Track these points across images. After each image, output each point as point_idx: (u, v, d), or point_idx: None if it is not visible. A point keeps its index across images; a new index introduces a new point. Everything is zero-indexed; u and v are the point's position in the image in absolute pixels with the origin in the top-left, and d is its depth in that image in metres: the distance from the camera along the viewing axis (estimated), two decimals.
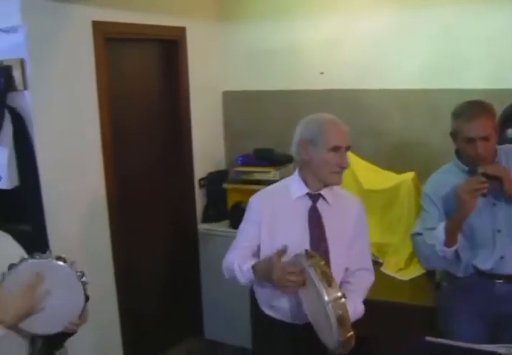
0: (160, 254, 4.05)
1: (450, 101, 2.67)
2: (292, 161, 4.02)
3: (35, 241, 2.85)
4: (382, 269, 3.33)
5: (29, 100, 2.87)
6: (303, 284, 2.06)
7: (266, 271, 2.12)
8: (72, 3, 3.05)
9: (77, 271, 1.96)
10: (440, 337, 1.88)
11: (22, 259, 1.93)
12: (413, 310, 2.92)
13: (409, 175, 3.42)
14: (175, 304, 4.17)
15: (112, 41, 3.34)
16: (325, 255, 2.24)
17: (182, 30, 3.89)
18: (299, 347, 2.32)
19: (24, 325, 1.90)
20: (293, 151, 2.33)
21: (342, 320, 1.91)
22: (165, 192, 4.03)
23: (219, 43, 4.26)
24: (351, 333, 1.94)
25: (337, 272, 2.19)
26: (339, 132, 2.23)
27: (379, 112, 3.78)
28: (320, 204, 2.32)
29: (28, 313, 1.83)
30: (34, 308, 1.85)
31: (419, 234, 2.58)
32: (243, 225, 2.43)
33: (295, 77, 4.06)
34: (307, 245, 2.23)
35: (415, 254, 2.96)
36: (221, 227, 4.06)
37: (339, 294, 1.93)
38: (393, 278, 3.26)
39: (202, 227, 4.16)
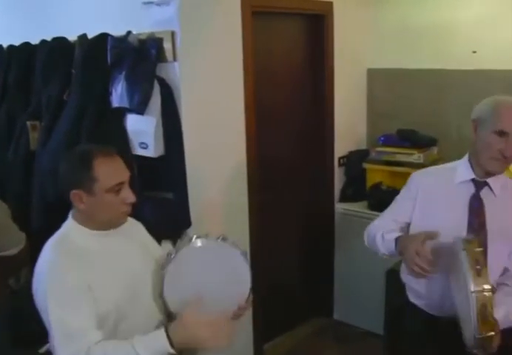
0: (295, 230, 4.05)
1: None
2: (436, 144, 3.85)
3: (177, 209, 2.94)
4: None
5: (177, 72, 2.94)
6: (433, 272, 1.95)
7: (405, 247, 2.03)
8: None
9: (241, 251, 1.89)
10: None
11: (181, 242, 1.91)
12: None
13: None
14: (306, 282, 4.16)
15: (259, 15, 3.33)
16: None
17: (329, 5, 3.80)
18: (437, 341, 2.20)
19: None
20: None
21: (484, 315, 1.75)
22: (304, 169, 4.01)
23: (367, 19, 4.12)
24: (493, 333, 1.77)
25: (493, 270, 2.01)
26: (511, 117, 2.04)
27: None
28: (485, 193, 2.16)
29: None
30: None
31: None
32: (398, 197, 2.36)
33: (445, 56, 3.83)
34: (463, 234, 2.09)
35: None
36: (359, 207, 3.97)
37: (488, 287, 1.78)
38: None
39: (339, 206, 4.10)
